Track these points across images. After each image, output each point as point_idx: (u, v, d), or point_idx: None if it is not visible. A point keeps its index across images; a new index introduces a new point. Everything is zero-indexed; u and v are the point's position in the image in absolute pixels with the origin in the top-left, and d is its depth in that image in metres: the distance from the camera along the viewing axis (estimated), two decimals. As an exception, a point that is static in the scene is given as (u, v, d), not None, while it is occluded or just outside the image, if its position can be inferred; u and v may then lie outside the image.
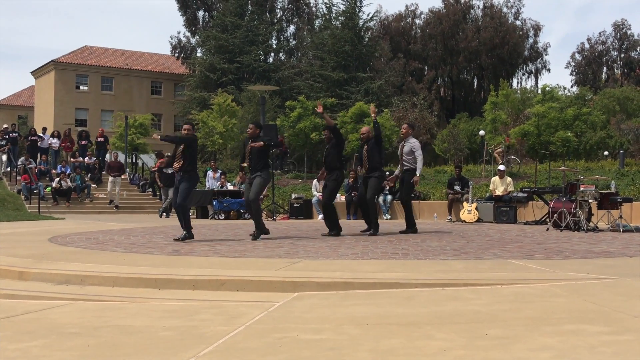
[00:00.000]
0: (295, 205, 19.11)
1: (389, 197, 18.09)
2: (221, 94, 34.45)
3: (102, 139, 26.42)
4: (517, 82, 56.74)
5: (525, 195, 16.32)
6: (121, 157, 27.61)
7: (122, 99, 52.08)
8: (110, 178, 22.43)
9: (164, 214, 19.79)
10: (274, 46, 51.65)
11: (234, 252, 7.81)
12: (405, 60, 49.40)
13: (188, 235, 9.62)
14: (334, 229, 10.63)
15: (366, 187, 11.03)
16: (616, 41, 56.67)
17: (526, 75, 57.66)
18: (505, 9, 54.73)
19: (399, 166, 11.60)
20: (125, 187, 24.21)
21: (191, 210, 20.78)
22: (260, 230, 9.94)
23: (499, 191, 16.54)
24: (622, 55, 56.48)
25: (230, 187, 20.03)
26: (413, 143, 11.33)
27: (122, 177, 23.79)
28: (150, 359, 3.26)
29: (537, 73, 57.59)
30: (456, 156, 30.09)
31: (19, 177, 22.97)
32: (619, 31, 56.18)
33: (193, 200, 20.09)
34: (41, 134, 26.12)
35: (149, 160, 29.73)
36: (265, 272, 6.03)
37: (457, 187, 17.09)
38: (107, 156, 29.19)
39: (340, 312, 4.45)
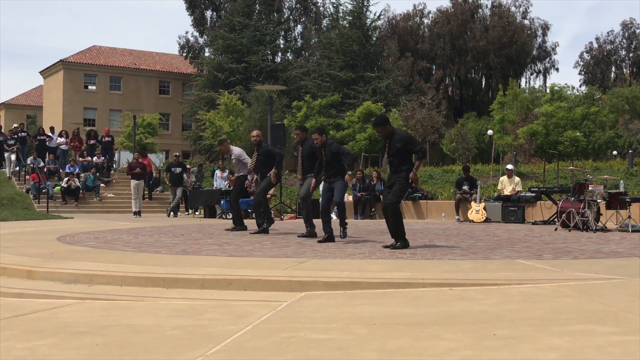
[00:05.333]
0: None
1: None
2: (224, 95, 34.53)
3: (108, 139, 26.45)
4: (526, 82, 56.74)
5: (534, 195, 16.28)
6: (126, 156, 27.59)
7: (130, 98, 52.23)
8: (133, 182, 19.38)
9: (172, 213, 19.84)
10: (282, 46, 51.72)
11: (241, 252, 7.82)
12: (413, 60, 49.37)
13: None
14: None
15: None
16: (625, 40, 56.47)
17: (534, 74, 57.65)
18: (513, 8, 54.70)
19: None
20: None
21: (199, 210, 20.90)
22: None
23: (507, 191, 16.49)
24: (631, 55, 56.27)
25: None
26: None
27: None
28: (158, 358, 3.27)
29: (545, 72, 57.52)
30: (464, 156, 30.03)
31: (27, 177, 23.07)
32: (628, 30, 55.99)
33: (200, 199, 20.17)
34: (49, 134, 26.21)
35: (155, 159, 29.82)
36: (273, 272, 6.04)
37: (465, 187, 17.05)
38: (116, 156, 29.25)
39: (347, 312, 4.44)
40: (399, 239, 8.21)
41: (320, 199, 10.74)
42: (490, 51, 51.78)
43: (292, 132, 30.14)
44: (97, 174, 24.16)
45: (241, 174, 12.22)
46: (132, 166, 19.86)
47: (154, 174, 24.77)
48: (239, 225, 12.07)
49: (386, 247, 8.30)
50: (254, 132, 11.76)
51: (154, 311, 4.73)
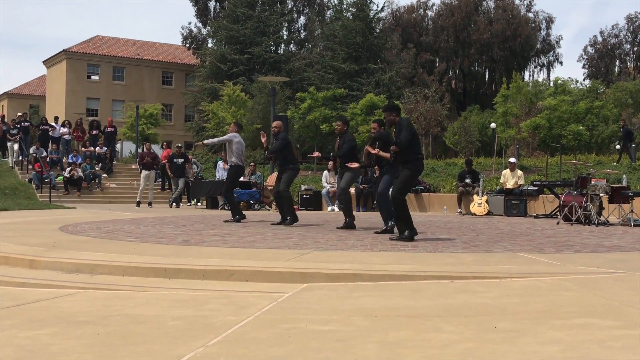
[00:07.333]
0: (305, 196, 19.13)
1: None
2: (228, 85, 34.45)
3: (111, 129, 26.45)
4: (529, 75, 56.56)
5: (536, 188, 16.26)
6: (129, 147, 27.55)
7: (133, 88, 52.21)
8: (144, 172, 19.46)
9: (174, 203, 19.86)
10: (285, 37, 51.57)
11: (243, 243, 7.82)
12: (416, 52, 49.23)
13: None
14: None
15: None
16: (629, 34, 56.22)
17: (538, 68, 57.42)
18: (517, 1, 54.46)
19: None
20: (135, 177, 24.02)
21: (201, 201, 20.92)
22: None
23: (510, 184, 16.48)
24: (635, 49, 56.05)
25: (241, 178, 20.01)
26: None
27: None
28: (159, 348, 3.27)
29: (549, 66, 57.33)
30: (467, 149, 29.99)
31: (30, 166, 23.09)
32: (632, 24, 55.73)
33: (203, 191, 20.18)
34: (53, 124, 26.22)
35: (159, 150, 29.82)
36: (275, 263, 6.04)
37: (467, 180, 17.04)
38: (118, 146, 29.23)
39: (348, 304, 4.45)
40: (407, 229, 8.13)
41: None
42: (494, 44, 51.61)
43: (294, 123, 30.16)
44: (94, 163, 24.10)
45: (236, 163, 12.06)
46: (142, 156, 20.03)
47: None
48: (236, 217, 11.91)
49: (390, 238, 8.33)
50: (275, 123, 11.62)
51: (156, 301, 4.74)
